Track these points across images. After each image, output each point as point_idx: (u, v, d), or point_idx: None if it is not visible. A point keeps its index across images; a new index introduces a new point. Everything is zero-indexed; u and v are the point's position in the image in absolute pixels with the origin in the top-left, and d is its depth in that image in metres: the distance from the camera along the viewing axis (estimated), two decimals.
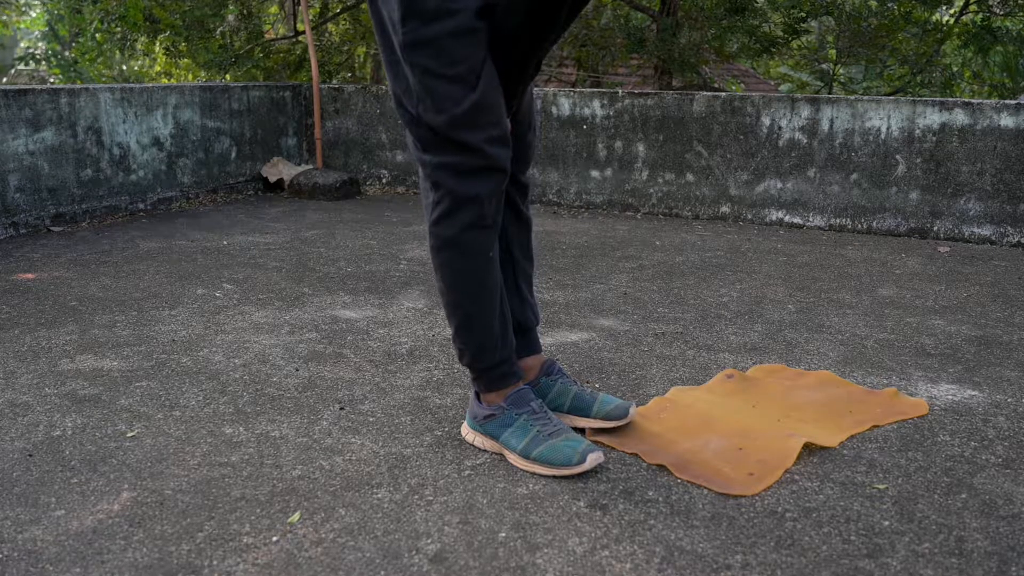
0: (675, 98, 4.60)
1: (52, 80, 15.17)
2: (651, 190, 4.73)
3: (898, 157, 4.17)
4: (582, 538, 1.44)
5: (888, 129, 4.16)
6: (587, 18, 7.34)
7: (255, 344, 2.43)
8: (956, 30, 7.04)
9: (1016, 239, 4.02)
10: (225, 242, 3.81)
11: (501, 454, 1.73)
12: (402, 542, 1.43)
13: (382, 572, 1.35)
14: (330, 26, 8.04)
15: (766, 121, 4.40)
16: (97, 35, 7.49)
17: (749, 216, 4.53)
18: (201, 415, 1.94)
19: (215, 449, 1.76)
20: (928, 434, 1.87)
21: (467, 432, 1.80)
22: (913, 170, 4.16)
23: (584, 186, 4.90)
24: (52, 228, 4.03)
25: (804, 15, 6.55)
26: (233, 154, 5.15)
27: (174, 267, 3.32)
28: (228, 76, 7.20)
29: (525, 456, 1.66)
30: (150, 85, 4.76)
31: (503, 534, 1.46)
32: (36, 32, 17.05)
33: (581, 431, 1.82)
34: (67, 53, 14.35)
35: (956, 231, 4.12)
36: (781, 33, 6.72)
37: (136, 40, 7.33)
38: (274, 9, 8.40)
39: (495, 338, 1.69)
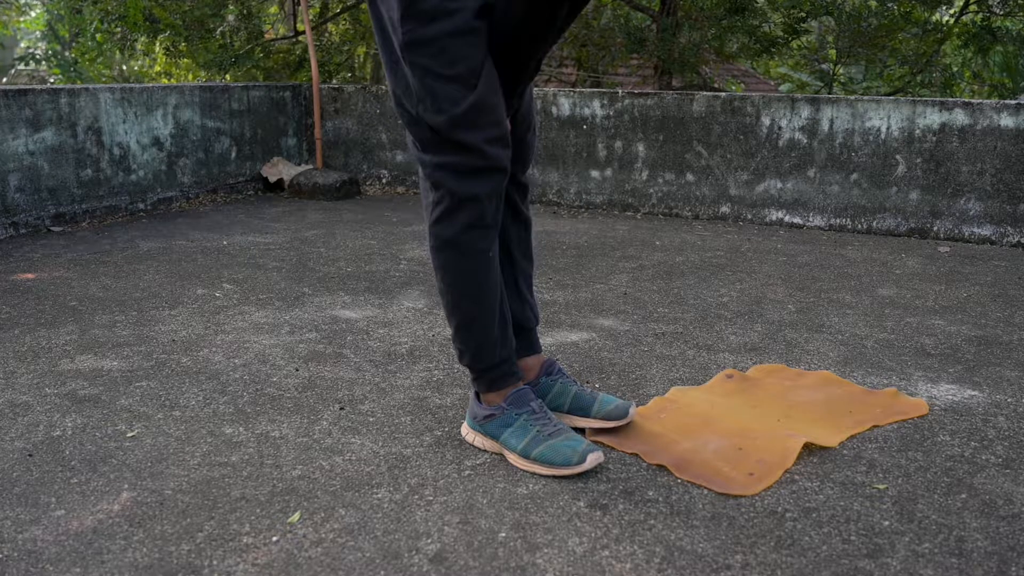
0: (675, 98, 4.60)
1: (52, 80, 15.17)
2: (651, 190, 4.74)
3: (898, 157, 4.17)
4: (582, 538, 1.44)
5: (888, 129, 4.17)
6: (587, 18, 7.34)
7: (255, 344, 2.43)
8: (956, 30, 7.03)
9: (1016, 239, 4.01)
10: (225, 242, 3.81)
11: (501, 454, 1.73)
12: (402, 542, 1.43)
13: (382, 572, 1.35)
14: (330, 26, 8.04)
15: (766, 121, 4.40)
16: (97, 35, 7.49)
17: (749, 216, 4.53)
18: (201, 415, 1.94)
19: (215, 449, 1.76)
20: (928, 434, 1.87)
21: (467, 432, 1.80)
22: (913, 170, 4.16)
23: (584, 186, 4.90)
24: (52, 228, 4.03)
25: (804, 15, 6.55)
26: (233, 154, 5.15)
27: (174, 267, 3.32)
28: (228, 76, 7.20)
29: (525, 456, 1.66)
30: (150, 85, 4.76)
31: (503, 534, 1.46)
32: (36, 32, 17.06)
33: (581, 431, 1.82)
34: (67, 53, 14.34)
35: (956, 231, 4.12)
36: (781, 33, 6.72)
37: (136, 40, 7.33)
38: (274, 9, 8.40)
39: (495, 338, 1.70)
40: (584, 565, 1.37)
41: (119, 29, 7.16)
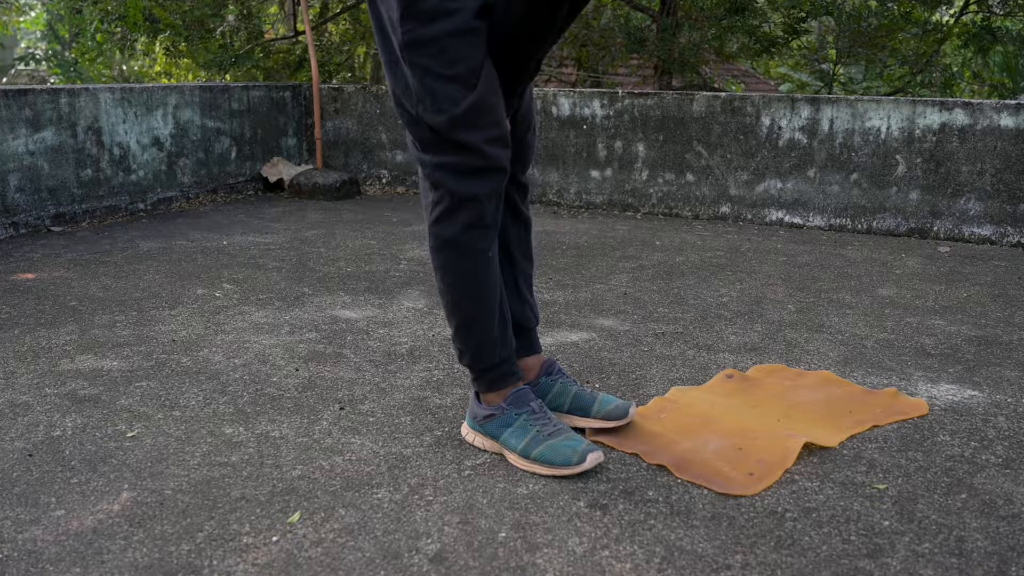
0: (675, 98, 4.60)
1: (52, 80, 15.17)
2: (651, 190, 4.74)
3: (898, 157, 4.17)
4: (582, 538, 1.44)
5: (888, 129, 4.17)
6: (587, 18, 7.34)
7: (255, 344, 2.43)
8: (956, 30, 7.03)
9: (1016, 239, 4.01)
10: (225, 242, 3.81)
11: (501, 454, 1.73)
12: (402, 542, 1.43)
13: (382, 572, 1.35)
14: (330, 26, 8.04)
15: (766, 121, 4.40)
16: (97, 35, 7.49)
17: (749, 216, 4.53)
18: (201, 415, 1.94)
19: (215, 449, 1.76)
20: (928, 434, 1.87)
21: (467, 432, 1.80)
22: (913, 170, 4.16)
23: (584, 186, 4.90)
24: (52, 228, 4.03)
25: (804, 15, 6.55)
26: (233, 154, 5.15)
27: (174, 267, 3.33)
28: (228, 76, 7.20)
29: (525, 456, 1.66)
30: (150, 85, 4.76)
31: (503, 534, 1.46)
32: (36, 32, 17.06)
33: (581, 431, 1.82)
34: (67, 53, 14.34)
35: (956, 231, 4.12)
36: (781, 33, 6.72)
37: (136, 40, 7.33)
38: (274, 9, 8.40)
39: (495, 338, 1.70)
40: (584, 565, 1.37)
41: (119, 29, 7.16)
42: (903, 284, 3.23)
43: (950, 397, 2.09)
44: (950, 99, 4.11)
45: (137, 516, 1.50)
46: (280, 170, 5.33)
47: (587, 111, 4.80)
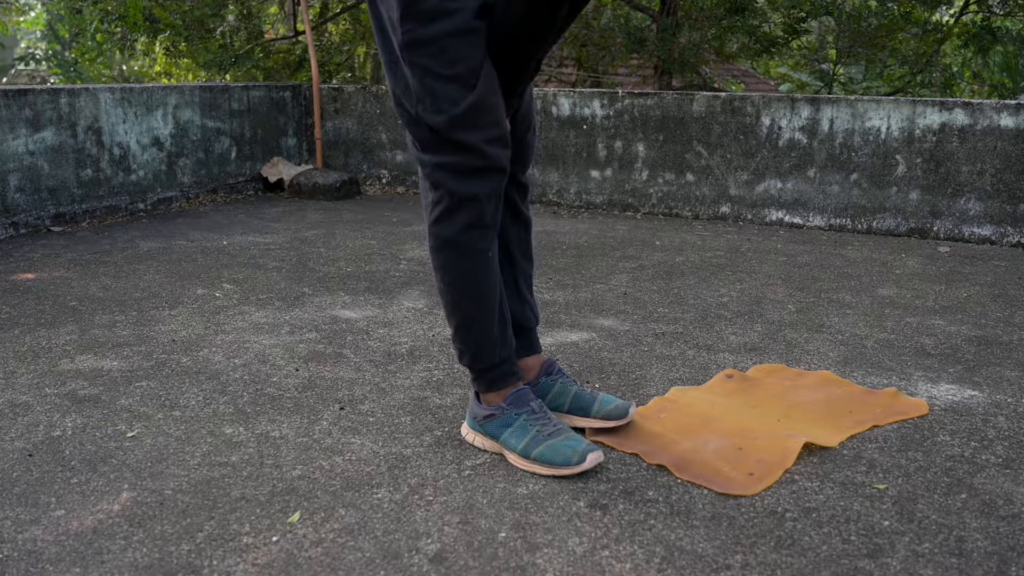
0: (675, 98, 4.60)
1: (52, 80, 15.18)
2: (651, 190, 4.74)
3: (898, 157, 4.17)
4: (582, 538, 1.44)
5: (888, 129, 4.17)
6: (587, 18, 7.34)
7: (255, 344, 2.43)
8: (956, 30, 7.03)
9: (1016, 239, 4.01)
10: (225, 242, 3.81)
11: (501, 454, 1.73)
12: (402, 542, 1.43)
13: (382, 572, 1.35)
14: (330, 26, 8.04)
15: (766, 121, 4.40)
16: (97, 35, 7.49)
17: (749, 216, 4.53)
18: (201, 415, 1.94)
19: (215, 449, 1.76)
20: (928, 434, 1.87)
21: (467, 432, 1.80)
22: (913, 170, 4.16)
23: (584, 186, 4.90)
24: (52, 228, 4.03)
25: (804, 15, 6.55)
26: (233, 154, 5.15)
27: (174, 267, 3.33)
28: (228, 76, 7.20)
29: (525, 456, 1.66)
30: (150, 85, 4.76)
31: (503, 534, 1.46)
32: (36, 32, 17.06)
33: (581, 431, 1.82)
34: (67, 53, 14.34)
35: (956, 231, 4.12)
36: (781, 33, 6.72)
37: (136, 40, 7.33)
38: (274, 9, 8.40)
39: (494, 338, 1.70)
40: (584, 565, 1.37)
41: (119, 29, 7.16)
42: (903, 284, 3.23)
43: (950, 397, 2.09)
44: (950, 99, 4.11)
45: (137, 516, 1.50)
46: (280, 170, 5.33)
47: (587, 111, 4.80)
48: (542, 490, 1.60)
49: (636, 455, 1.74)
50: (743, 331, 2.61)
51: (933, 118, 4.07)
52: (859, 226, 4.30)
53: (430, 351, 2.39)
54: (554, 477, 1.64)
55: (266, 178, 5.33)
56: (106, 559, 1.37)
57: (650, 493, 1.60)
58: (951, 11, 7.46)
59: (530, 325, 1.86)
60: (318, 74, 5.52)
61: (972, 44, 6.92)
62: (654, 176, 4.72)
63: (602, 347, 2.44)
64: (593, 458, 1.63)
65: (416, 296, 2.96)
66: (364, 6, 7.33)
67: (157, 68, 8.57)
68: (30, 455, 1.73)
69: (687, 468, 1.68)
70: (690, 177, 4.63)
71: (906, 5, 6.49)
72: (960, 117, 4.02)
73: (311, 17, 6.65)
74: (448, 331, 2.39)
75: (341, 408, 1.98)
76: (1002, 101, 4.03)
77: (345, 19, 7.92)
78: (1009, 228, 4.02)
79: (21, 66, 15.32)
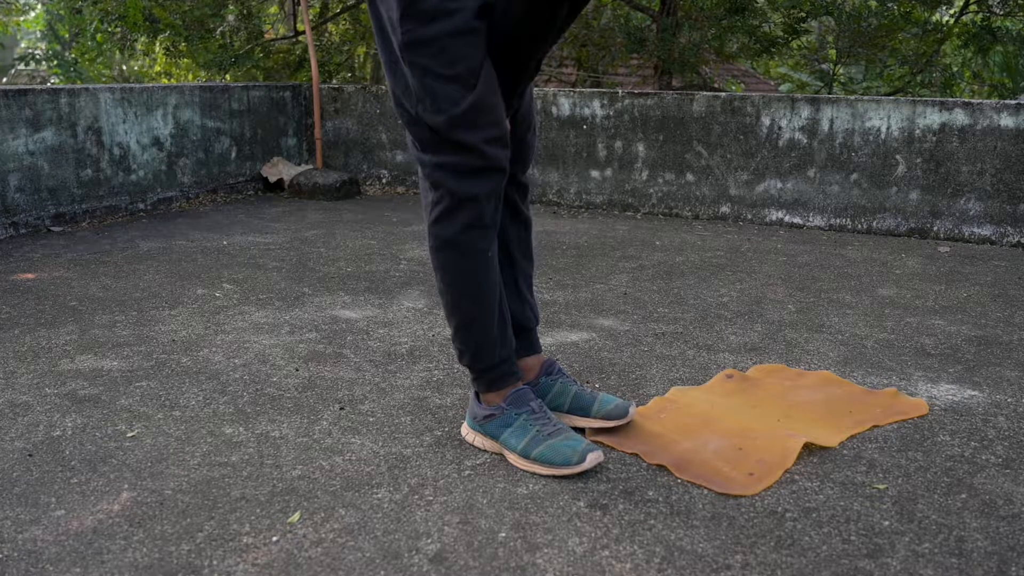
0: (675, 98, 4.60)
1: (52, 80, 15.18)
2: (651, 190, 4.74)
3: (898, 157, 4.17)
4: (582, 538, 1.44)
5: (888, 129, 4.17)
6: (587, 18, 7.34)
7: (255, 344, 2.43)
8: (956, 30, 7.03)
9: (1016, 239, 4.01)
10: (225, 242, 3.81)
11: (501, 454, 1.73)
12: (402, 542, 1.43)
13: (382, 572, 1.35)
14: (330, 26, 8.04)
15: (766, 121, 4.40)
16: (97, 35, 7.49)
17: (749, 216, 4.53)
18: (201, 415, 1.94)
19: (215, 449, 1.76)
20: (928, 434, 1.87)
21: (467, 432, 1.80)
22: (913, 170, 4.16)
23: (584, 186, 4.90)
24: (52, 228, 4.03)
25: (804, 15, 6.55)
26: (233, 154, 5.15)
27: (174, 267, 3.33)
28: (228, 76, 7.20)
29: (525, 456, 1.66)
30: (150, 85, 4.76)
31: (503, 534, 1.46)
32: (36, 32, 17.05)
33: (581, 431, 1.82)
34: (67, 53, 14.34)
35: (956, 231, 4.12)
36: (781, 33, 6.72)
37: (136, 40, 7.33)
38: (274, 9, 8.40)
39: (494, 338, 1.70)
40: (584, 565, 1.37)
41: (119, 29, 7.16)
42: (903, 284, 3.23)
43: (950, 397, 2.09)
44: (950, 99, 4.11)
45: (137, 516, 1.50)
46: (280, 170, 5.33)
47: (587, 111, 4.80)
48: (542, 490, 1.60)
49: (636, 455, 1.74)
50: (743, 331, 2.61)
51: (933, 118, 4.07)
52: (859, 226, 4.30)
53: (430, 351, 2.39)
54: (554, 477, 1.64)
55: (266, 178, 5.33)
56: (106, 559, 1.37)
57: (650, 493, 1.60)
58: (951, 11, 7.46)
59: (530, 325, 1.86)
60: (318, 74, 5.52)
61: (972, 44, 6.92)
62: (654, 176, 4.72)
63: (602, 347, 2.44)
64: (593, 458, 1.63)
65: (416, 296, 2.96)
66: (364, 6, 7.33)
67: (157, 68, 8.57)
68: (30, 455, 1.73)
69: (687, 468, 1.68)
70: (690, 177, 4.63)
71: (906, 5, 6.49)
72: (960, 117, 4.02)
73: (311, 17, 6.65)
74: (448, 331, 2.39)
75: (341, 408, 1.98)
76: (1002, 101, 4.03)
77: (345, 19, 7.92)
78: (1009, 228, 4.02)
79: (21, 66, 15.33)
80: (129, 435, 1.83)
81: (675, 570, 1.36)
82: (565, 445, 1.65)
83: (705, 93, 4.62)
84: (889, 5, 6.55)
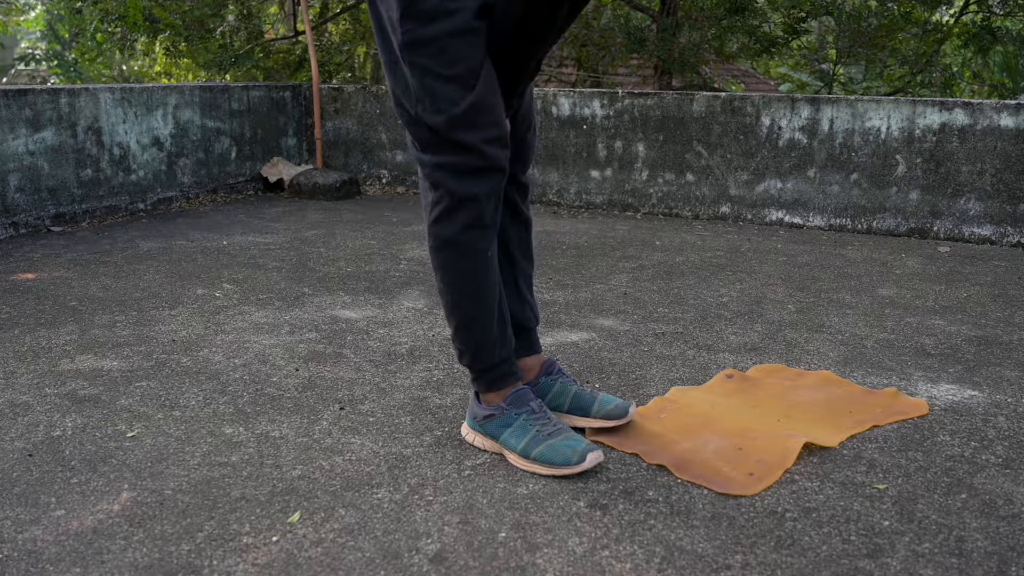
0: (675, 98, 4.60)
1: (52, 80, 15.18)
2: (651, 190, 4.74)
3: (898, 157, 4.17)
4: (582, 538, 1.44)
5: (888, 129, 4.17)
6: (587, 18, 7.34)
7: (255, 344, 2.43)
8: (956, 30, 7.03)
9: (1016, 239, 4.01)
10: (225, 242, 3.81)
11: (501, 454, 1.73)
12: (402, 542, 1.43)
13: (382, 572, 1.35)
14: (330, 26, 8.04)
15: (766, 121, 4.40)
16: (97, 35, 7.49)
17: (749, 216, 4.53)
18: (201, 415, 1.94)
19: (215, 449, 1.76)
20: (928, 434, 1.87)
21: (467, 432, 1.80)
22: (913, 170, 4.16)
23: (584, 186, 4.90)
24: (52, 228, 4.03)
25: (804, 15, 6.55)
26: (233, 154, 5.15)
27: (174, 267, 3.33)
28: (228, 76, 7.20)
29: (525, 456, 1.66)
30: (150, 85, 4.77)
31: (503, 534, 1.46)
32: (36, 32, 17.05)
33: (581, 431, 1.82)
34: (67, 53, 14.34)
35: (956, 231, 4.12)
36: (781, 33, 6.72)
37: (136, 40, 7.33)
38: (274, 9, 8.40)
39: (494, 338, 1.70)
40: (584, 565, 1.37)
41: (119, 29, 7.16)
42: (903, 284, 3.24)
43: (950, 397, 2.09)
44: (950, 99, 4.11)
45: (137, 516, 1.50)
46: (280, 170, 5.33)
47: (587, 111, 4.80)
48: (542, 490, 1.60)
49: (636, 455, 1.74)
50: (743, 331, 2.61)
51: (933, 118, 4.07)
52: (859, 226, 4.30)
53: (430, 351, 2.39)
54: (554, 477, 1.64)
55: (266, 178, 5.33)
56: (106, 559, 1.37)
57: (650, 493, 1.60)
58: (951, 11, 7.46)
59: (530, 325, 1.86)
60: (318, 74, 5.52)
61: (972, 44, 6.92)
62: (654, 176, 4.72)
63: (602, 347, 2.44)
64: (593, 458, 1.63)
65: (416, 296, 2.96)
66: (364, 6, 7.33)
67: (157, 68, 8.57)
68: (30, 455, 1.73)
69: (687, 468, 1.68)
70: (690, 177, 4.63)
71: (906, 5, 6.49)
72: (960, 117, 4.02)
73: (311, 17, 6.65)
74: (448, 331, 2.39)
75: (341, 408, 1.98)
76: (1002, 101, 4.03)
77: (345, 19, 7.92)
78: (1009, 228, 4.02)
79: (21, 66, 15.33)
80: (129, 435, 1.83)
81: (675, 570, 1.36)
82: (565, 445, 1.65)
83: (705, 93, 4.62)
84: (889, 5, 6.55)
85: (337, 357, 2.33)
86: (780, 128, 4.38)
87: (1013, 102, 3.94)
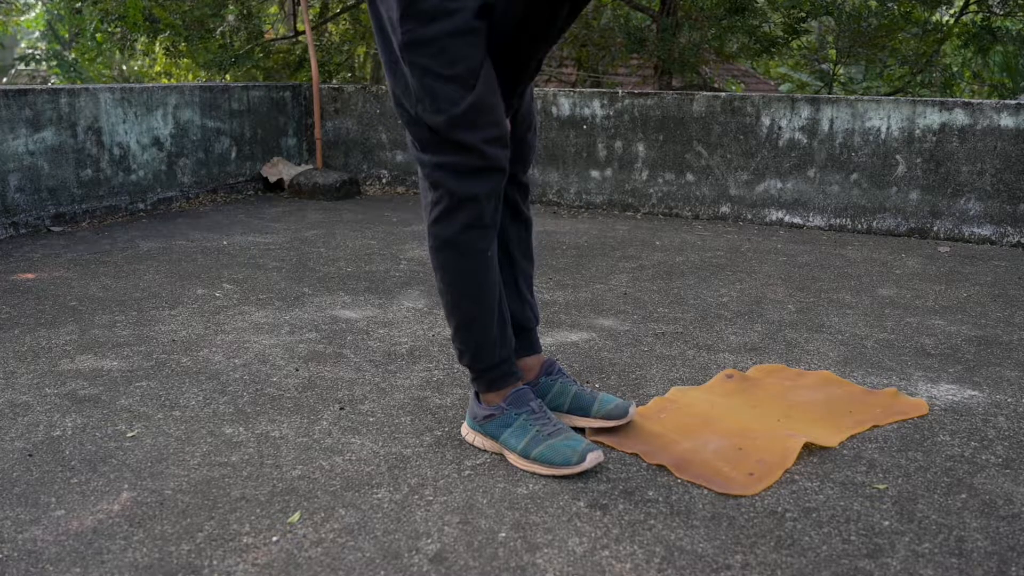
0: (675, 98, 4.60)
1: (52, 80, 15.17)
2: (651, 190, 4.74)
3: (898, 157, 4.17)
4: (582, 538, 1.44)
5: (888, 129, 4.17)
6: (587, 18, 7.34)
7: (255, 344, 2.43)
8: (956, 30, 7.03)
9: (1016, 239, 4.01)
10: (225, 242, 3.81)
11: (501, 454, 1.73)
12: (402, 542, 1.43)
13: (382, 572, 1.35)
14: (330, 26, 8.04)
15: (766, 121, 4.40)
16: (97, 35, 7.49)
17: (749, 216, 4.53)
18: (201, 415, 1.94)
19: (215, 449, 1.76)
20: (928, 434, 1.87)
21: (467, 432, 1.80)
22: (913, 170, 4.16)
23: (584, 186, 4.90)
24: (52, 228, 4.03)
25: (804, 15, 6.55)
26: (233, 154, 5.15)
27: (174, 267, 3.33)
28: (228, 76, 7.20)
29: (525, 456, 1.66)
30: (150, 85, 4.77)
31: (503, 534, 1.46)
32: (36, 32, 17.05)
33: (581, 431, 1.82)
34: (67, 53, 14.34)
35: (956, 231, 4.12)
36: (781, 33, 6.72)
37: (136, 40, 7.33)
38: (274, 9, 8.40)
39: (494, 338, 1.70)
40: (584, 565, 1.37)
41: (119, 29, 7.16)
42: (903, 284, 3.24)
43: (950, 397, 2.09)
44: (950, 99, 4.11)
45: (137, 516, 1.50)
46: (280, 170, 5.33)
47: (587, 111, 4.80)
48: (542, 490, 1.60)
49: (636, 455, 1.74)
50: (743, 331, 2.61)
51: (933, 118, 4.07)
52: (859, 226, 4.30)
53: (430, 351, 2.39)
54: (554, 477, 1.64)
55: (266, 178, 5.33)
56: (106, 559, 1.37)
57: (650, 493, 1.60)
58: (951, 11, 7.46)
59: (530, 325, 1.86)
60: (318, 74, 5.52)
61: (972, 44, 6.92)
62: (654, 176, 4.72)
63: (602, 347, 2.44)
64: (593, 458, 1.63)
65: (416, 296, 2.96)
66: (364, 6, 7.33)
67: (157, 68, 8.57)
68: (30, 455, 1.73)
69: (687, 468, 1.68)
70: (690, 177, 4.63)
71: (906, 5, 6.49)
72: (960, 117, 4.02)
73: (311, 17, 6.65)
74: (448, 331, 2.39)
75: (341, 408, 1.98)
76: (1002, 101, 4.03)
77: (345, 19, 7.92)
78: (1009, 228, 4.02)
79: (21, 66, 15.33)
80: (129, 435, 1.83)
81: (675, 570, 1.36)
82: (565, 445, 1.65)
83: (705, 93, 4.62)
84: (889, 5, 6.55)
85: (337, 357, 2.33)
86: (780, 128, 4.38)
87: (1013, 102, 3.94)
